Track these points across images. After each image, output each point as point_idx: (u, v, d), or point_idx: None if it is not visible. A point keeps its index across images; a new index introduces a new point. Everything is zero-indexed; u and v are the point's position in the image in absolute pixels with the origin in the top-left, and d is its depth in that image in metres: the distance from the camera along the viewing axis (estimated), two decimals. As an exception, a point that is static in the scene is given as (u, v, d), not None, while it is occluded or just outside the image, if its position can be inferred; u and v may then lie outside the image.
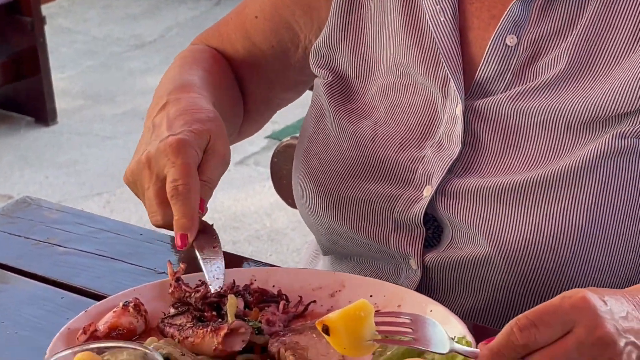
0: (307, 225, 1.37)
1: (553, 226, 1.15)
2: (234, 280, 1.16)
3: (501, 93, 1.20)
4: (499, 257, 1.17)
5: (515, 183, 1.17)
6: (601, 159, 1.14)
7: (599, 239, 1.15)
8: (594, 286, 1.03)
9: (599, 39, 1.17)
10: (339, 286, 1.16)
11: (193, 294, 1.14)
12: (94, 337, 1.08)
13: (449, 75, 1.22)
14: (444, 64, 1.22)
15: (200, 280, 1.15)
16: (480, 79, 1.21)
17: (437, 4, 1.24)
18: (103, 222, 1.42)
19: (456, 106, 1.21)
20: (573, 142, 1.17)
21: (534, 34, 1.20)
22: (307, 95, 1.45)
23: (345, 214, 1.28)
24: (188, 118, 1.21)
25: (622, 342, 0.91)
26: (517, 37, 1.20)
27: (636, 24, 1.16)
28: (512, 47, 1.20)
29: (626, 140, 1.14)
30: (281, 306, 1.13)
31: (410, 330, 0.96)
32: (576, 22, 1.18)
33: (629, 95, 1.14)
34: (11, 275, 1.30)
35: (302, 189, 1.33)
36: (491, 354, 0.91)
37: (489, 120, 1.21)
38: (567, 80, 1.18)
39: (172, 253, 1.32)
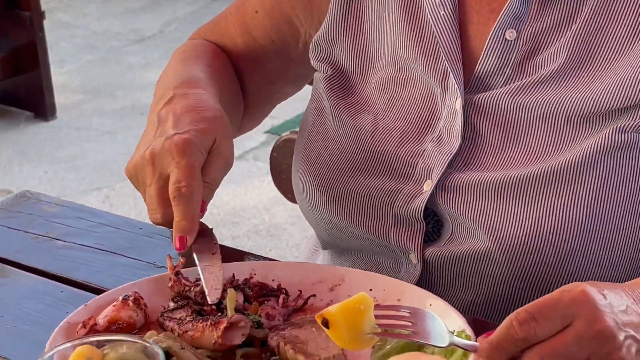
0: (306, 219, 1.37)
1: (553, 221, 1.15)
2: (233, 274, 1.17)
3: (501, 87, 1.20)
4: (499, 252, 1.17)
5: (515, 178, 1.17)
6: (601, 154, 1.14)
7: (598, 233, 1.15)
8: (593, 280, 1.03)
9: (599, 33, 1.17)
10: (339, 280, 1.16)
11: (192, 288, 1.14)
12: (93, 330, 1.08)
13: (449, 69, 1.22)
14: (444, 57, 1.22)
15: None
16: (480, 73, 1.21)
17: (436, -2, 1.23)
18: (102, 216, 1.42)
19: (456, 100, 1.21)
20: (573, 137, 1.17)
21: (534, 28, 1.20)
22: (307, 89, 1.45)
23: (346, 209, 1.28)
24: (195, 116, 1.20)
25: (621, 336, 0.91)
26: (517, 31, 1.20)
27: (636, 18, 1.16)
28: (511, 41, 1.20)
29: (626, 135, 1.14)
30: (281, 300, 1.13)
31: (409, 324, 0.96)
32: (575, 17, 1.18)
33: (629, 90, 1.14)
34: (11, 269, 1.30)
35: (302, 183, 1.33)
36: (490, 348, 0.91)
37: (489, 115, 1.21)
38: (566, 74, 1.18)
39: (172, 247, 1.31)
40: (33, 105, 4.08)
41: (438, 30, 1.23)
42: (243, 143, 3.59)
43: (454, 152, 1.21)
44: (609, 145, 1.14)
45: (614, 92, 1.14)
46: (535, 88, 1.18)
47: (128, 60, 4.68)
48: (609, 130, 1.15)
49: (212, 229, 1.20)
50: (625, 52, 1.16)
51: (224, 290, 1.11)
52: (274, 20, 1.40)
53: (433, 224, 1.24)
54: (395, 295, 1.12)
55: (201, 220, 1.17)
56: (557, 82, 1.18)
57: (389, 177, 1.25)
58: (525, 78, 1.19)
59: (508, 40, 1.20)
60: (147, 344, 0.94)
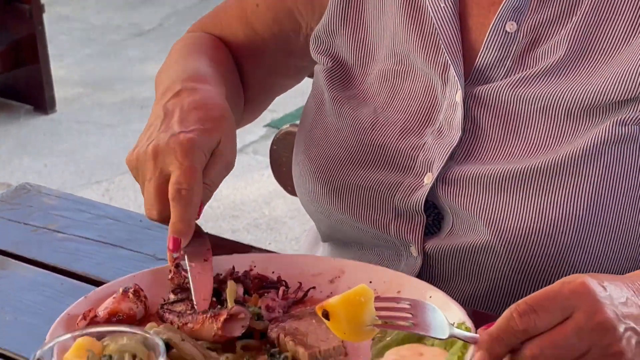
0: (307, 212, 1.37)
1: (553, 214, 1.15)
2: (233, 266, 1.16)
3: (501, 80, 1.20)
4: (500, 245, 1.17)
5: (515, 171, 1.17)
6: (601, 147, 1.14)
7: (599, 226, 1.15)
8: (593, 273, 1.04)
9: (599, 26, 1.17)
10: (339, 272, 1.16)
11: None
12: (93, 322, 1.08)
13: (449, 62, 1.21)
14: (444, 50, 1.22)
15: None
16: (480, 66, 1.21)
17: (437, -10, 1.23)
18: (102, 208, 1.42)
19: (456, 93, 1.21)
20: (573, 130, 1.17)
21: (534, 21, 1.20)
22: (307, 83, 1.45)
23: (346, 201, 1.28)
24: (202, 114, 1.18)
25: (621, 328, 0.91)
26: (517, 24, 1.20)
27: (636, 11, 1.16)
28: (511, 33, 1.20)
29: (626, 128, 1.14)
30: (281, 292, 1.13)
31: (410, 316, 0.96)
32: (576, 9, 1.18)
33: (629, 82, 1.14)
34: (11, 261, 1.30)
35: (302, 176, 1.32)
36: (491, 339, 0.91)
37: (489, 107, 1.20)
38: (566, 66, 1.18)
39: (172, 239, 1.32)
40: (33, 98, 4.08)
41: (438, 22, 1.23)
42: (243, 137, 3.59)
43: (455, 144, 1.21)
44: (609, 138, 1.14)
45: (614, 84, 1.14)
46: (536, 80, 1.18)
47: (127, 53, 4.68)
48: (609, 123, 1.14)
49: (206, 233, 1.19)
50: (625, 44, 1.16)
51: (227, 282, 1.11)
52: (275, 13, 1.40)
53: (434, 216, 1.24)
54: (395, 288, 1.12)
55: (197, 222, 1.16)
56: (557, 74, 1.18)
57: (389, 169, 1.25)
58: (526, 70, 1.19)
59: (508, 33, 1.20)
60: (147, 335, 0.94)
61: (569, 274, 0.95)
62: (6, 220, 1.40)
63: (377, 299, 0.97)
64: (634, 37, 1.15)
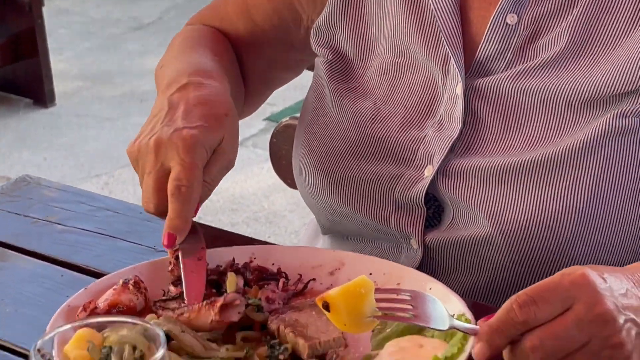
0: (307, 204, 1.37)
1: (554, 206, 1.15)
2: (233, 258, 1.17)
3: (502, 72, 1.20)
4: (500, 237, 1.17)
5: (516, 163, 1.17)
6: (602, 139, 1.14)
7: (599, 219, 1.15)
8: (593, 264, 1.04)
9: (599, 18, 1.17)
10: (339, 264, 1.16)
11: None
12: (94, 314, 1.08)
13: (450, 54, 1.21)
14: (445, 42, 1.22)
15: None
16: (481, 58, 1.21)
17: (437, -17, 1.23)
18: (102, 200, 1.42)
19: (456, 85, 1.21)
20: (573, 122, 1.17)
21: (534, 13, 1.20)
22: (306, 77, 1.45)
23: (346, 194, 1.28)
24: (206, 111, 1.18)
25: (621, 319, 0.91)
26: (518, 16, 1.20)
27: (636, 4, 1.16)
28: (512, 25, 1.20)
29: (626, 120, 1.14)
30: (281, 284, 1.13)
31: (410, 307, 0.96)
32: (576, 1, 1.18)
33: (629, 75, 1.14)
34: (11, 253, 1.30)
35: (302, 168, 1.32)
36: (491, 331, 0.91)
37: (490, 100, 1.20)
38: (567, 59, 1.18)
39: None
40: (32, 92, 4.08)
41: (439, 14, 1.23)
42: (242, 130, 3.57)
43: (455, 137, 1.21)
44: (609, 130, 1.14)
45: (615, 77, 1.14)
46: (536, 73, 1.18)
47: (127, 47, 4.68)
48: (609, 115, 1.14)
49: (206, 225, 1.18)
50: (625, 37, 1.16)
51: (221, 282, 1.11)
52: (276, 5, 1.40)
53: (434, 209, 1.24)
54: (395, 279, 1.12)
55: (193, 219, 1.15)
56: (557, 67, 1.18)
57: (389, 162, 1.25)
58: (526, 63, 1.19)
59: (509, 25, 1.20)
60: (148, 325, 0.94)
61: (569, 266, 0.94)
62: (6, 213, 1.40)
63: (377, 290, 0.97)
64: (634, 29, 1.15)
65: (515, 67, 1.20)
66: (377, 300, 0.96)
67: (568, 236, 1.15)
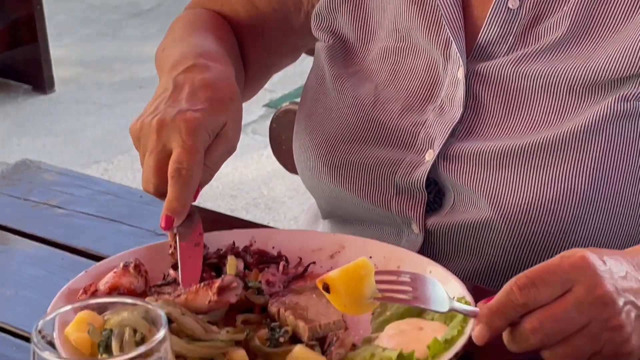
0: (307, 189, 1.37)
1: (555, 189, 1.15)
2: (233, 241, 1.17)
3: (503, 56, 1.20)
4: (501, 221, 1.17)
5: (517, 146, 1.17)
6: (604, 122, 1.14)
7: (600, 202, 1.15)
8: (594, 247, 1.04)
9: (601, 3, 1.17)
10: (339, 247, 1.17)
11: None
12: (94, 297, 1.08)
13: (451, 38, 1.21)
14: (446, 26, 1.22)
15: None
16: (483, 42, 1.21)
17: (439, -34, 1.23)
18: (103, 184, 1.43)
19: (458, 69, 1.21)
20: (575, 106, 1.17)
21: (536, -3, 1.19)
22: (306, 63, 1.45)
23: (347, 178, 1.28)
24: (211, 94, 1.17)
25: (621, 301, 0.91)
26: (519, 0, 1.20)
27: (638, -11, 1.16)
28: (514, 10, 1.20)
29: (629, 103, 1.14)
30: (281, 267, 1.13)
31: (410, 289, 0.96)
32: (578, -14, 1.18)
33: (631, 59, 1.14)
34: (11, 236, 1.30)
35: (303, 153, 1.32)
36: (490, 313, 0.91)
37: (491, 84, 1.20)
38: (569, 43, 1.17)
39: (172, 215, 1.32)
40: (31, 78, 4.07)
41: (440, -2, 1.22)
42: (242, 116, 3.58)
43: (456, 121, 1.21)
44: (611, 113, 1.14)
45: (616, 61, 1.14)
46: (538, 57, 1.18)
47: (126, 33, 4.67)
48: (611, 99, 1.14)
49: (200, 217, 1.17)
50: (627, 21, 1.15)
51: (221, 265, 1.11)
52: (276, -11, 1.39)
53: (435, 193, 1.24)
54: (395, 263, 1.13)
55: (193, 204, 1.15)
56: (559, 51, 1.18)
57: (390, 146, 1.25)
58: (528, 47, 1.19)
59: (511, 9, 1.20)
60: (149, 306, 0.94)
61: (570, 248, 0.95)
62: (6, 196, 1.40)
63: (378, 272, 0.98)
64: (636, 13, 1.15)
65: (516, 51, 1.20)
66: (377, 282, 0.97)
67: (568, 220, 1.15)
